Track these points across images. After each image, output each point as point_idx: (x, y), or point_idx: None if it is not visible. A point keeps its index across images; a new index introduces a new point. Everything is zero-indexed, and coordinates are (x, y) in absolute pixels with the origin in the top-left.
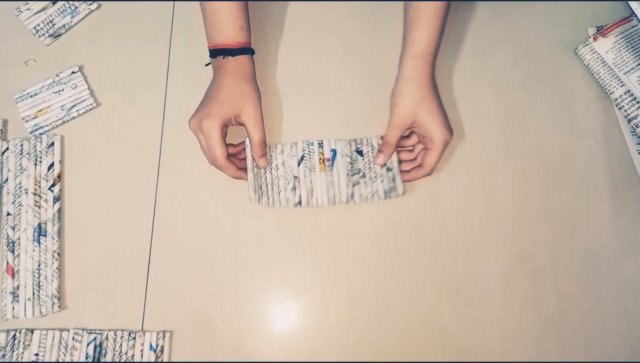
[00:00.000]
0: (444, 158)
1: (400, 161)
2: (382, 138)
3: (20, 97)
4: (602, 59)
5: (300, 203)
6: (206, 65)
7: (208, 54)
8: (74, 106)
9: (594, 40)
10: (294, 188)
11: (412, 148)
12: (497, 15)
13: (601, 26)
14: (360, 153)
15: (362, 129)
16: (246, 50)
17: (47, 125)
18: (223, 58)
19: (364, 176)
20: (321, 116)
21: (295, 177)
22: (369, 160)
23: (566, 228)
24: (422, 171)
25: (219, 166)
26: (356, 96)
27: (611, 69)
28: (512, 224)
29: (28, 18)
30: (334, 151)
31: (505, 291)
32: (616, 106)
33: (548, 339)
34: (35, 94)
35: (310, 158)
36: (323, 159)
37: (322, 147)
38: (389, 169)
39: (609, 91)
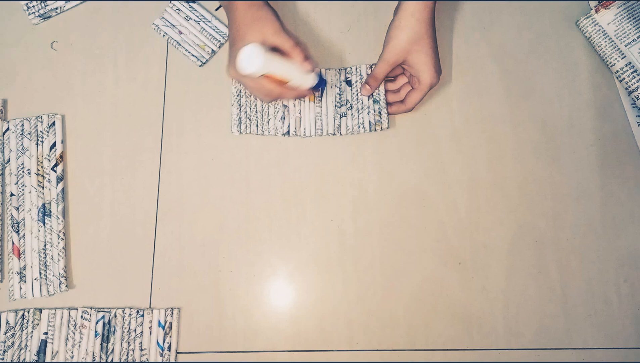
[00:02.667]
0: (448, 130)
1: (385, 91)
2: (371, 66)
3: None
4: (604, 31)
5: (288, 132)
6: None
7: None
8: None
9: (596, 12)
10: (283, 117)
11: (394, 78)
12: None
13: None
14: (349, 83)
15: None
16: None
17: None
18: None
19: (351, 107)
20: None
21: (285, 106)
22: (357, 91)
23: (568, 199)
24: (403, 107)
25: (278, 95)
26: None
27: (613, 41)
28: (516, 195)
29: None
30: (324, 81)
31: (508, 262)
32: (617, 78)
33: (550, 308)
34: None
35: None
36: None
37: None
38: (375, 101)
39: (610, 63)
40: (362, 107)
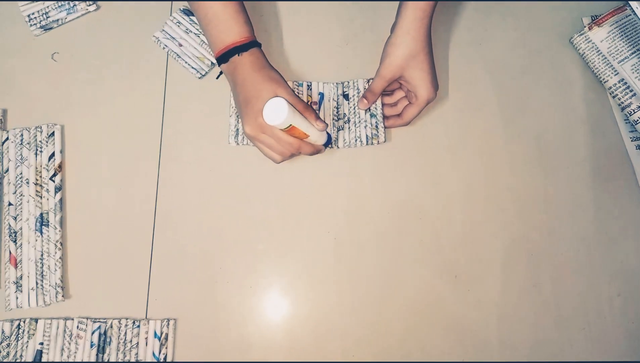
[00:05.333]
0: (444, 144)
1: (382, 105)
2: (368, 81)
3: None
4: (597, 48)
5: None
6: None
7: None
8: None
9: (589, 29)
10: None
11: (392, 91)
12: (493, 4)
13: (596, 16)
14: (346, 96)
15: None
16: (255, 42)
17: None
18: (239, 55)
19: (348, 121)
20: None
21: None
22: (354, 104)
23: (562, 213)
24: (400, 121)
25: (297, 148)
26: None
27: (605, 58)
28: (510, 210)
29: (25, 4)
30: (322, 95)
31: (503, 276)
32: (610, 94)
33: (545, 321)
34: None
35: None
36: (310, 103)
37: (310, 89)
38: (372, 115)
39: (603, 79)
40: (360, 121)
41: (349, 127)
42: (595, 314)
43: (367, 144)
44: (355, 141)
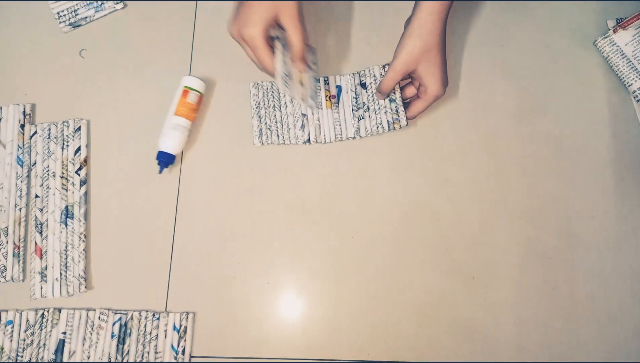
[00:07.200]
0: (464, 145)
1: (401, 89)
2: (384, 67)
3: None
4: (622, 51)
5: (309, 140)
6: None
7: None
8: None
9: (614, 32)
10: (303, 126)
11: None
12: (516, 6)
13: (621, 18)
14: (363, 85)
15: None
16: None
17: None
18: None
19: (368, 109)
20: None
21: (304, 115)
22: (372, 92)
23: (581, 217)
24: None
25: (271, 74)
26: None
27: (630, 61)
28: (527, 212)
29: (55, 2)
30: (339, 88)
31: (519, 278)
32: (634, 98)
33: (560, 324)
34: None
35: (317, 95)
36: (329, 96)
37: (327, 83)
38: (391, 101)
39: (627, 83)
40: (379, 108)
41: (369, 116)
42: (612, 318)
43: (389, 130)
44: (377, 128)
